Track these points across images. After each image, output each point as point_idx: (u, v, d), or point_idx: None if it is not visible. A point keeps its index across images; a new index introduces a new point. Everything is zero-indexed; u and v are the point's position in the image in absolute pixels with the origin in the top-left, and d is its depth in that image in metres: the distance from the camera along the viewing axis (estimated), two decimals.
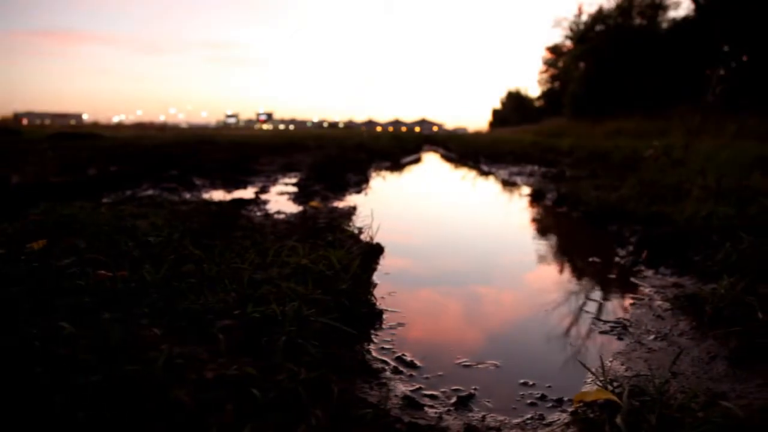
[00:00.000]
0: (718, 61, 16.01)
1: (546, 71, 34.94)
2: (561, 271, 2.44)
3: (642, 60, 19.27)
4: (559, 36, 42.67)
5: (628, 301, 1.92)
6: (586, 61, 22.92)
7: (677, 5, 20.60)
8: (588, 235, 3.26)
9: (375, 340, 1.51)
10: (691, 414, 0.96)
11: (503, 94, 57.32)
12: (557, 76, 32.04)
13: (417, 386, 1.24)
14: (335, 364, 1.21)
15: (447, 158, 11.63)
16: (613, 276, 2.28)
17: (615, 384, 1.13)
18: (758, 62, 14.73)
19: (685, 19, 19.42)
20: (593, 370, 1.24)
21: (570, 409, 1.14)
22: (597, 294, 2.02)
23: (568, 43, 26.76)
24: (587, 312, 1.80)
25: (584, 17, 24.41)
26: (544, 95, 36.42)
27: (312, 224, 2.76)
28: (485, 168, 8.31)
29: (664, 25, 20.64)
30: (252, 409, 0.87)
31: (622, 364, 1.38)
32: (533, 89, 58.08)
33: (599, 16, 22.90)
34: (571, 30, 25.51)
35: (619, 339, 1.58)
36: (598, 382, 1.15)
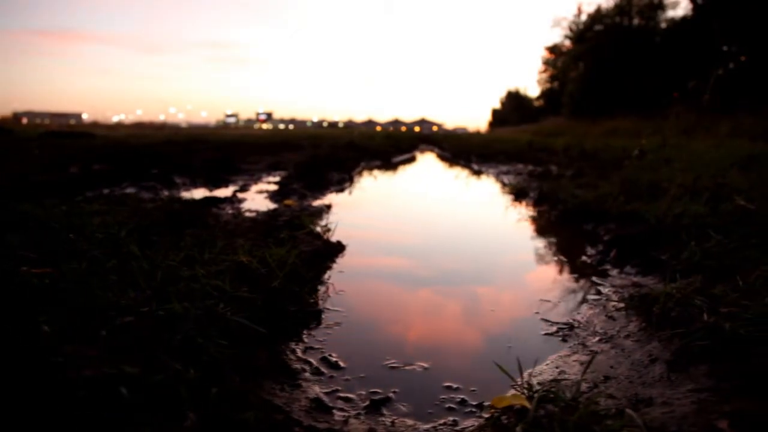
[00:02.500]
0: (717, 61, 15.91)
1: (545, 71, 34.81)
2: (523, 271, 2.38)
3: (640, 60, 19.17)
4: (558, 36, 42.63)
5: (583, 302, 1.86)
6: (585, 61, 22.83)
7: (675, 5, 20.53)
8: (562, 234, 3.19)
9: (305, 340, 1.45)
10: (600, 422, 0.90)
11: (503, 94, 57.21)
12: (556, 76, 31.90)
13: (334, 388, 1.18)
14: (246, 365, 1.15)
15: (441, 157, 11.56)
16: (575, 275, 2.21)
17: (536, 389, 1.07)
18: (757, 62, 14.63)
19: (684, 19, 19.32)
20: (524, 373, 1.18)
21: (486, 415, 1.08)
22: (553, 294, 1.95)
23: (567, 42, 26.68)
24: (537, 313, 1.74)
25: (583, 17, 24.35)
26: (544, 95, 36.28)
27: (274, 222, 2.71)
28: (476, 167, 8.25)
29: (663, 25, 20.55)
30: (119, 410, 0.81)
31: (557, 368, 1.32)
32: (533, 89, 57.85)
33: (598, 15, 22.82)
34: (570, 30, 25.45)
35: (563, 341, 1.52)
36: (518, 388, 1.09)
